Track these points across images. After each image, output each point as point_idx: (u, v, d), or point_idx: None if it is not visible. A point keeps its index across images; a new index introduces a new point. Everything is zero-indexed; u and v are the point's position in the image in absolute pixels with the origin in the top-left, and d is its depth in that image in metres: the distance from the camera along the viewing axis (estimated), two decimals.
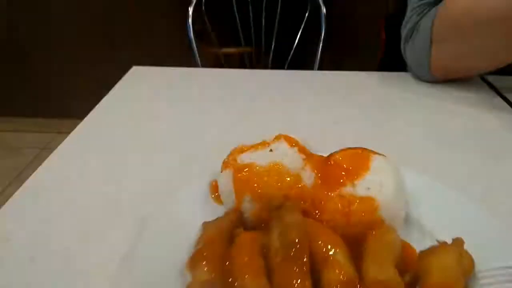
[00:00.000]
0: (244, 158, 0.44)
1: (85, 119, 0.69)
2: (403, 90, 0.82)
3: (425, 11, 0.80)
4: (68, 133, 0.65)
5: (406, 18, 0.84)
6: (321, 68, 1.50)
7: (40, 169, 0.56)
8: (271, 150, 0.44)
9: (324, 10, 1.49)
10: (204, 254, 0.38)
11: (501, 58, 0.74)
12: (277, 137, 0.46)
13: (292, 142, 0.45)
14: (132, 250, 0.41)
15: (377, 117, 0.73)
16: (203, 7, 1.52)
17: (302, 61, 1.53)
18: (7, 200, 0.51)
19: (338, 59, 1.91)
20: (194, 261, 0.37)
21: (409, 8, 0.84)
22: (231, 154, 0.46)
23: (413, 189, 0.46)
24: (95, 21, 2.42)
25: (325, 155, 0.47)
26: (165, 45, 2.25)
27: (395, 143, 0.63)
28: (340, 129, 0.68)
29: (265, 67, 1.60)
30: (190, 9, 1.48)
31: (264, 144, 0.46)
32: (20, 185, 0.53)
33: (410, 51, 0.83)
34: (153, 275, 0.37)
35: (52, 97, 2.58)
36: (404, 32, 0.84)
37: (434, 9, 0.78)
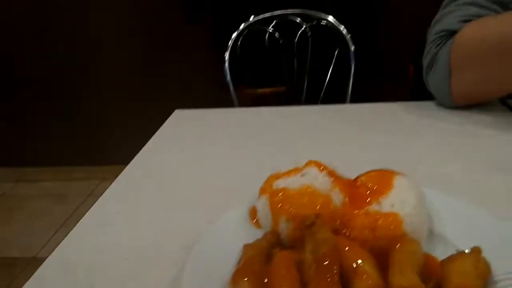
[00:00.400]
0: (279, 184, 0.50)
1: (130, 163, 0.77)
2: (427, 117, 0.86)
3: (443, 42, 0.85)
4: (113, 179, 0.71)
5: (426, 50, 0.89)
6: (352, 103, 1.55)
7: (85, 216, 0.62)
8: (302, 175, 0.49)
9: (352, 48, 1.56)
10: (245, 271, 0.43)
11: None
12: (308, 163, 0.51)
13: (321, 167, 0.50)
14: (182, 272, 0.46)
15: (401, 143, 0.77)
16: (238, 50, 1.62)
17: (334, 97, 1.59)
18: (54, 248, 0.55)
19: (369, 94, 1.96)
20: (236, 278, 0.42)
21: (428, 40, 0.89)
22: (267, 181, 0.52)
23: (437, 206, 0.50)
24: (136, 72, 2.59)
25: (352, 178, 0.51)
26: (204, 88, 2.38)
27: (419, 165, 0.67)
28: (366, 155, 0.73)
29: (299, 105, 1.66)
30: (227, 54, 1.58)
31: (296, 170, 0.51)
32: (67, 232, 0.59)
33: (431, 81, 0.87)
34: None
35: (99, 145, 2.74)
36: (425, 63, 0.89)
37: (451, 39, 0.83)
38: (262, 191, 0.51)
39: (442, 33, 0.85)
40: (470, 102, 0.85)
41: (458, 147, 0.74)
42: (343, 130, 0.85)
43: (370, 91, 1.94)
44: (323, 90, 1.63)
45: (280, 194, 0.48)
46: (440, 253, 0.46)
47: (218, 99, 1.52)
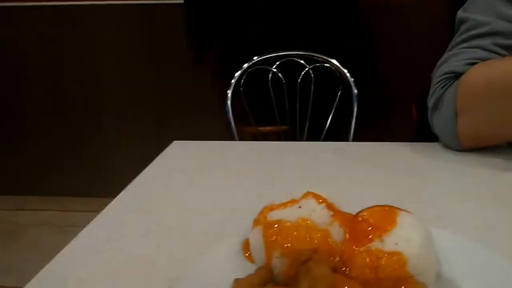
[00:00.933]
0: (274, 215, 0.46)
1: (122, 192, 0.74)
2: (432, 157, 0.83)
3: (448, 84, 0.84)
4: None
5: (431, 92, 0.87)
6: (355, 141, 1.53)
7: (69, 245, 0.59)
8: (299, 207, 0.46)
9: (355, 91, 1.56)
10: None
11: None
12: (306, 195, 0.48)
13: (320, 199, 0.47)
14: None
15: (405, 183, 0.74)
16: (241, 88, 1.62)
17: (335, 138, 1.58)
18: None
19: (371, 136, 1.94)
20: None
21: (433, 82, 0.88)
22: (261, 212, 0.49)
23: (445, 248, 0.46)
24: (140, 104, 2.60)
25: (353, 213, 0.48)
26: (206, 125, 2.37)
27: (425, 204, 0.64)
28: (368, 192, 0.70)
29: None
30: (229, 92, 1.58)
31: (293, 201, 0.48)
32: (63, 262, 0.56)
33: (437, 122, 0.86)
34: None
35: (100, 176, 2.72)
36: (430, 103, 0.87)
37: (457, 81, 0.81)
38: (256, 222, 0.47)
39: (448, 75, 0.85)
40: (477, 145, 0.83)
41: (466, 188, 0.71)
42: (345, 167, 0.82)
43: (372, 133, 1.93)
44: (325, 130, 1.61)
45: (275, 226, 0.45)
46: None
47: (219, 135, 1.50)
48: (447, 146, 0.86)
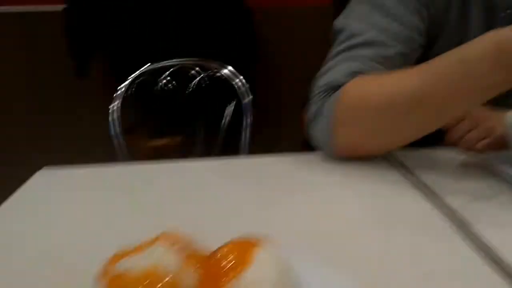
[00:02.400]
0: (121, 265, 0.41)
1: None
2: (309, 169, 0.84)
3: (328, 94, 0.85)
4: None
5: (311, 98, 0.88)
6: (251, 153, 1.52)
7: None
8: (149, 253, 0.42)
9: (247, 100, 1.56)
10: None
11: (394, 141, 0.79)
12: (157, 237, 0.43)
13: (173, 241, 0.43)
14: None
15: (278, 200, 0.73)
16: (129, 101, 1.54)
17: (231, 147, 1.56)
18: None
19: (267, 143, 1.98)
20: None
21: (313, 92, 0.89)
22: (110, 261, 0.43)
23: (305, 277, 0.45)
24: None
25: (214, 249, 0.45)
26: (87, 140, 2.22)
27: (291, 225, 0.64)
28: (238, 216, 0.67)
29: (194, 156, 1.61)
30: (114, 105, 1.49)
31: (145, 245, 0.43)
32: None
33: (315, 133, 0.86)
34: None
35: None
36: (309, 113, 0.88)
37: (336, 93, 0.83)
38: (102, 275, 0.42)
39: (327, 86, 0.86)
40: (353, 155, 0.85)
41: (338, 203, 0.72)
42: (220, 187, 0.79)
43: (267, 140, 1.96)
44: (218, 141, 1.59)
45: (121, 279, 0.40)
46: None
47: (111, 156, 1.40)
48: (326, 155, 0.87)
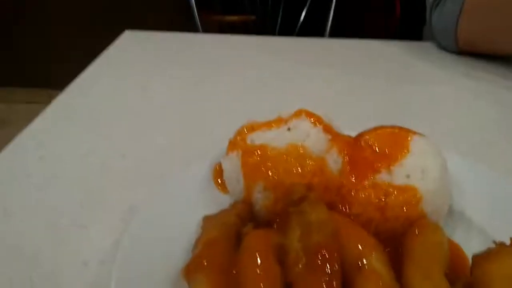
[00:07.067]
0: (256, 138, 0.36)
1: (67, 88, 0.61)
2: (426, 60, 0.73)
3: None
4: None
5: None
6: (332, 36, 1.40)
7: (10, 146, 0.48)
8: (289, 129, 0.36)
9: None
10: (205, 261, 0.30)
11: None
12: (297, 113, 0.37)
13: (315, 119, 0.36)
14: (114, 251, 0.32)
15: (401, 90, 0.64)
16: None
17: (311, 29, 1.43)
18: None
19: (349, 28, 1.81)
20: (192, 270, 0.30)
21: None
22: (239, 132, 0.38)
23: (455, 175, 0.38)
24: None
25: (353, 134, 0.38)
26: (163, 11, 2.13)
27: (427, 120, 0.55)
28: (361, 103, 0.60)
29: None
30: None
31: (280, 121, 0.37)
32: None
33: (437, 20, 0.75)
34: (139, 285, 0.30)
35: (44, 66, 2.47)
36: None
37: None
38: (233, 146, 0.37)
39: None
40: (474, 49, 0.73)
41: (464, 95, 0.62)
42: (328, 69, 0.71)
43: (351, 25, 1.80)
44: (300, 22, 1.46)
45: (258, 153, 0.35)
46: (462, 238, 0.35)
47: (180, 24, 1.32)
48: (442, 47, 0.76)
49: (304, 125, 0.35)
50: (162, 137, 0.51)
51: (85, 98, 0.60)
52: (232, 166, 0.36)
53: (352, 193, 0.34)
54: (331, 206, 0.34)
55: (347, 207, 0.34)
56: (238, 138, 0.37)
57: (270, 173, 0.34)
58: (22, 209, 0.40)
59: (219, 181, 0.39)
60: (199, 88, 0.63)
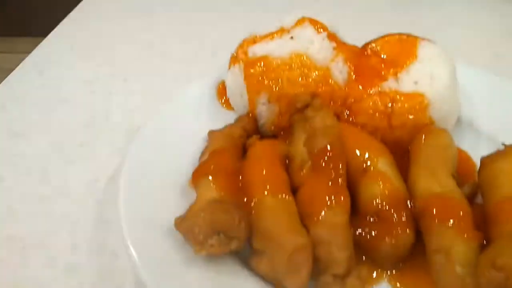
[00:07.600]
0: (257, 50, 0.35)
1: (73, 10, 0.59)
2: None
3: None
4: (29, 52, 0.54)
5: None
6: None
7: (10, 78, 0.47)
8: (291, 38, 0.35)
9: None
10: (212, 167, 0.30)
11: None
12: (300, 21, 0.36)
13: (319, 26, 0.35)
14: (123, 162, 0.32)
15: (409, 9, 0.61)
16: None
17: None
18: None
19: None
20: (199, 176, 0.30)
21: None
22: (240, 46, 0.37)
23: (464, 83, 0.37)
24: None
25: (359, 45, 0.37)
26: None
27: (436, 29, 0.53)
28: (366, 13, 0.57)
29: None
30: None
31: (282, 31, 0.36)
32: None
33: None
34: (148, 194, 0.30)
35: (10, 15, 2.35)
36: None
37: None
38: (234, 60, 0.36)
39: None
40: None
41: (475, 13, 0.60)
42: None
43: None
44: None
45: (259, 64, 0.34)
46: (470, 145, 0.35)
47: None
48: None
49: (308, 33, 0.34)
50: (165, 59, 0.50)
51: (87, 19, 0.59)
52: (234, 80, 0.36)
53: (358, 102, 0.34)
54: (337, 117, 0.33)
55: (353, 117, 0.34)
56: (239, 51, 0.36)
57: (273, 84, 0.33)
58: (29, 130, 0.41)
59: (224, 99, 0.39)
60: (200, 11, 0.61)
